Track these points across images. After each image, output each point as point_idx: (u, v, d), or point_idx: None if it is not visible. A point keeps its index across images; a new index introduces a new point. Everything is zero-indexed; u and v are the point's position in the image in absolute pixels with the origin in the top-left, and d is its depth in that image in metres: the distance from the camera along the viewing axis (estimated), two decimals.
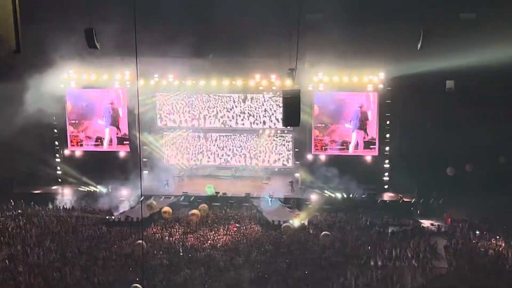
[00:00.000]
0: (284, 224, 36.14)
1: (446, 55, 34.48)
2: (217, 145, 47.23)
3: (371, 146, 42.52)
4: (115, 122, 44.60)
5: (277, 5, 35.22)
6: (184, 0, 36.47)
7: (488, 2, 36.31)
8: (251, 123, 46.28)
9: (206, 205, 38.72)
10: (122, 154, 44.74)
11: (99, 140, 45.02)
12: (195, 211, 37.02)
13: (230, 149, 47.12)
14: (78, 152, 45.23)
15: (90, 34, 26.30)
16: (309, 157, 43.47)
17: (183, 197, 41.59)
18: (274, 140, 46.54)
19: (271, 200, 40.90)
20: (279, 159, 46.77)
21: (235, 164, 46.97)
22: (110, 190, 42.40)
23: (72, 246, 33.48)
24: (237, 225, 36.41)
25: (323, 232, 33.66)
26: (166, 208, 38.31)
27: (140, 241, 32.41)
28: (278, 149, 46.64)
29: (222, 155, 47.25)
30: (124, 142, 44.70)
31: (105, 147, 44.96)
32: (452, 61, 34.90)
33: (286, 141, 46.39)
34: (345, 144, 42.86)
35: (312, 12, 34.47)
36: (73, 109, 44.61)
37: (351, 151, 42.81)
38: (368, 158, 42.65)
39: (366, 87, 41.50)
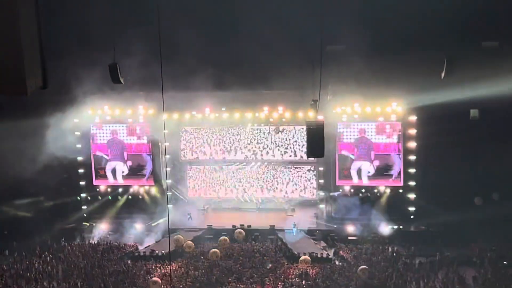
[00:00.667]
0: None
1: (469, 84, 34.33)
2: (239, 177, 47.15)
3: (386, 173, 42.20)
4: (121, 156, 44.75)
5: (299, 37, 35.32)
6: (206, 33, 36.71)
7: (511, 30, 36.18)
8: (266, 154, 46.27)
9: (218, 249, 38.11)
10: (146, 188, 44.76)
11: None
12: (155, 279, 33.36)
13: (251, 181, 47.01)
14: (103, 187, 45.37)
15: (114, 69, 26.50)
16: (334, 188, 43.21)
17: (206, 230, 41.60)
18: (298, 171, 46.41)
19: (295, 229, 40.77)
20: (302, 190, 46.57)
21: (259, 197, 46.82)
22: (135, 225, 42.44)
23: (98, 281, 33.51)
24: (270, 265, 36.09)
25: (361, 267, 33.20)
26: (189, 243, 38.23)
27: (156, 279, 32.43)
28: (302, 180, 46.45)
29: (244, 188, 47.14)
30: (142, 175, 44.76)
31: (110, 181, 44.99)
32: (476, 90, 34.72)
33: (310, 172, 46.20)
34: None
35: (333, 43, 34.55)
36: (98, 144, 44.82)
37: (356, 181, 42.52)
38: (394, 189, 42.30)
39: (390, 117, 41.34)
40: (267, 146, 46.21)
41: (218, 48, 37.84)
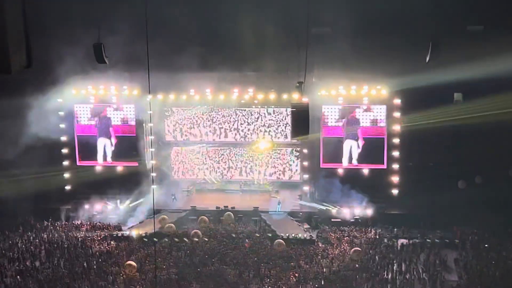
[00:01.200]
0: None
1: (453, 67, 34.38)
2: (224, 159, 47.15)
3: (370, 155, 42.45)
4: (107, 133, 44.62)
5: (285, 18, 35.22)
6: (191, 13, 36.51)
7: (496, 14, 36.23)
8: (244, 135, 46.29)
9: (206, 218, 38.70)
10: (130, 169, 44.60)
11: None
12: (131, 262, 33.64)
13: (236, 163, 47.06)
14: (87, 167, 45.18)
15: (99, 49, 26.33)
16: (318, 170, 43.28)
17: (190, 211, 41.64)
18: (282, 153, 46.49)
19: (279, 206, 41.25)
20: (286, 172, 46.68)
21: (243, 179, 46.86)
22: (119, 205, 42.40)
23: (81, 261, 33.52)
24: (247, 241, 36.29)
25: (354, 248, 33.29)
26: (170, 225, 38.38)
27: (131, 262, 32.60)
28: (286, 163, 46.53)
29: (229, 169, 47.18)
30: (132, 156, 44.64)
31: (99, 160, 44.88)
32: (460, 73, 34.80)
33: (294, 155, 46.27)
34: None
35: (319, 26, 34.47)
36: (82, 124, 44.60)
37: (345, 164, 42.67)
38: (377, 171, 42.45)
39: (375, 99, 41.42)
40: (252, 128, 46.12)
41: (203, 29, 37.64)
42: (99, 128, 44.40)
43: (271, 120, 45.79)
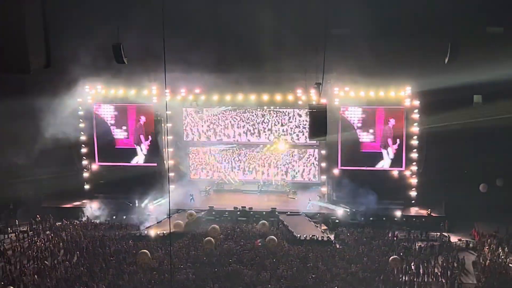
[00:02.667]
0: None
1: (473, 69, 34.21)
2: (243, 159, 47.20)
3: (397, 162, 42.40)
4: (138, 139, 45.03)
5: (304, 20, 35.24)
6: (211, 15, 36.64)
7: None
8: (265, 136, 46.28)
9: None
10: (149, 168, 44.79)
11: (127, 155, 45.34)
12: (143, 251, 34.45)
13: (255, 163, 47.10)
14: (106, 167, 45.46)
15: (118, 49, 26.46)
16: (336, 172, 43.20)
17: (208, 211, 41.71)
18: (300, 154, 46.48)
19: (309, 204, 41.54)
20: (304, 173, 46.67)
21: (261, 179, 46.89)
22: (137, 205, 42.57)
23: (99, 260, 33.70)
24: (259, 240, 36.29)
25: (393, 257, 33.13)
26: (191, 212, 38.79)
27: (144, 251, 32.86)
28: (304, 163, 46.50)
29: (249, 169, 47.24)
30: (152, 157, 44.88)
31: (135, 162, 45.25)
32: (480, 75, 34.60)
33: (313, 156, 46.23)
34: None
35: (338, 27, 34.44)
36: (100, 124, 44.86)
37: (382, 165, 42.69)
38: (395, 173, 42.31)
39: (393, 101, 41.28)
40: (270, 128, 46.15)
41: (222, 30, 37.76)
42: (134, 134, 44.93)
43: (289, 121, 45.76)
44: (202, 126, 46.65)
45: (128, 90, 43.47)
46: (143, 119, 44.53)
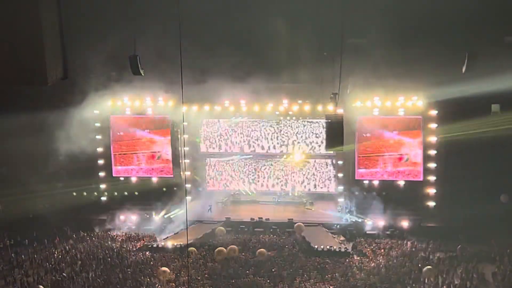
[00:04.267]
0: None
1: (491, 78, 34.02)
2: (260, 170, 47.17)
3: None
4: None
5: (320, 30, 35.23)
6: (226, 26, 36.71)
7: None
8: (286, 146, 46.23)
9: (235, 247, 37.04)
10: (166, 180, 44.92)
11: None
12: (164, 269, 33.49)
13: (271, 175, 47.06)
14: (123, 179, 45.61)
15: (134, 60, 26.48)
16: (352, 182, 43.05)
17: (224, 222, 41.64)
18: (317, 165, 46.39)
19: (349, 213, 41.62)
20: (320, 183, 46.55)
21: (279, 190, 46.84)
22: (154, 216, 42.63)
23: (116, 272, 33.71)
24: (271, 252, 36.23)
25: (427, 267, 32.79)
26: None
27: (165, 268, 32.73)
28: (321, 174, 46.40)
29: (264, 180, 47.19)
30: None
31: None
32: (498, 84, 34.40)
33: (329, 166, 46.12)
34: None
35: (354, 37, 34.38)
36: (118, 136, 45.03)
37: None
38: (413, 184, 42.09)
39: (411, 111, 41.13)
40: (287, 139, 46.14)
41: (238, 41, 37.82)
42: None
43: (306, 131, 45.70)
44: (220, 136, 46.73)
45: (144, 101, 43.64)
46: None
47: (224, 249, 35.32)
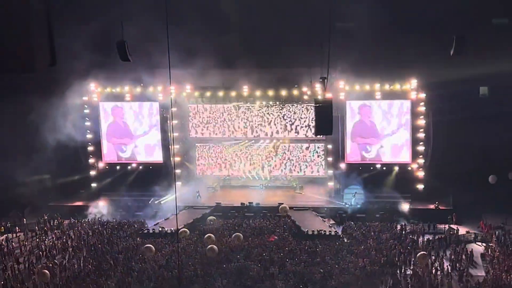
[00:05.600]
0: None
1: (479, 61, 34.09)
2: (249, 154, 47.20)
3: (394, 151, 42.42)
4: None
5: (308, 14, 35.15)
6: (215, 11, 36.58)
7: None
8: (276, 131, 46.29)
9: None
10: (155, 166, 44.92)
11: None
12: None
13: (260, 159, 47.11)
14: (113, 165, 45.57)
15: (122, 46, 26.29)
16: (342, 166, 43.17)
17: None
18: (306, 149, 46.46)
19: (354, 197, 41.45)
20: (310, 168, 46.65)
21: (267, 174, 46.92)
22: (144, 202, 42.62)
23: (107, 258, 33.75)
24: (276, 237, 36.26)
25: (421, 253, 32.47)
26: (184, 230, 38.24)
27: (149, 245, 32.86)
28: (311, 158, 46.49)
29: (253, 164, 47.26)
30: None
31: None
32: (486, 67, 34.49)
33: (319, 150, 46.21)
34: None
35: (343, 20, 34.33)
36: (107, 122, 44.94)
37: (368, 158, 42.86)
38: (402, 166, 42.24)
39: (399, 95, 41.19)
40: (275, 124, 46.14)
41: (226, 26, 37.71)
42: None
43: (295, 115, 45.72)
44: (209, 122, 46.71)
45: (133, 88, 43.52)
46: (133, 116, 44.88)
47: (213, 236, 35.24)
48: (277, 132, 46.34)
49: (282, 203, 41.01)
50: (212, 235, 34.77)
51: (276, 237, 36.02)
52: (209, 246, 32.48)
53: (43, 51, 6.73)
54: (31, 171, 40.46)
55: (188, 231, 37.12)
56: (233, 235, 34.90)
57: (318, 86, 39.08)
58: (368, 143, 42.54)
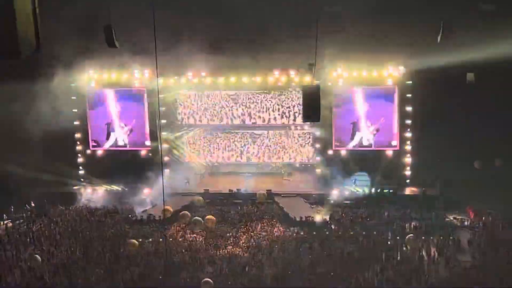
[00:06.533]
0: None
1: (466, 47, 34.14)
2: (238, 142, 47.19)
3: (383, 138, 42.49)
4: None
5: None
6: None
7: None
8: (265, 119, 46.27)
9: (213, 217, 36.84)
10: (143, 153, 44.85)
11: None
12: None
13: (250, 146, 47.12)
14: (100, 152, 45.44)
15: (109, 32, 26.08)
16: (330, 153, 43.23)
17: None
18: (294, 136, 46.48)
19: (355, 184, 41.47)
20: (298, 154, 46.70)
21: (257, 162, 46.97)
22: (131, 189, 42.59)
23: (96, 245, 33.73)
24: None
25: (410, 235, 32.75)
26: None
27: (132, 240, 32.85)
28: (299, 145, 46.52)
29: (243, 152, 47.26)
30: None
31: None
32: (472, 53, 34.55)
33: (307, 137, 46.23)
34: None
35: (330, 5, 34.25)
36: (94, 109, 44.76)
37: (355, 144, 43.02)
38: (390, 153, 42.37)
39: (386, 81, 41.24)
40: (263, 110, 46.08)
41: (213, 11, 37.52)
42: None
43: (283, 102, 45.69)
44: (197, 109, 46.61)
45: (121, 74, 43.34)
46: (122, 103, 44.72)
47: (188, 213, 35.33)
48: (264, 119, 46.25)
49: (270, 190, 41.21)
50: (199, 218, 34.92)
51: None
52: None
53: (29, 36, 6.69)
54: (18, 157, 40.25)
55: (202, 198, 37.64)
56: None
57: (305, 73, 39.16)
58: (356, 130, 42.52)
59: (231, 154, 47.42)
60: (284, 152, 46.70)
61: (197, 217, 35.07)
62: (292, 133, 46.49)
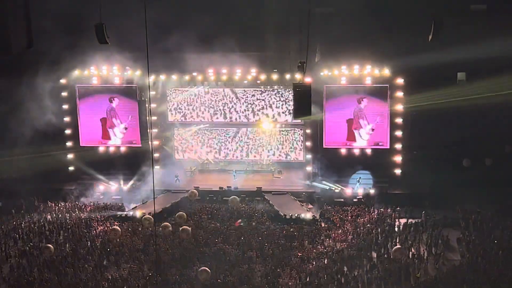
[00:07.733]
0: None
1: (457, 47, 34.25)
2: (228, 139, 47.18)
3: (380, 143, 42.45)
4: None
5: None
6: None
7: None
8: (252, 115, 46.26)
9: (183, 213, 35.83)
10: (134, 149, 44.69)
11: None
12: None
13: (240, 144, 47.12)
14: (90, 149, 45.25)
15: (100, 29, 26.06)
16: (321, 151, 43.22)
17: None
18: (285, 133, 46.48)
19: (358, 183, 41.38)
20: (289, 152, 46.71)
21: (248, 159, 46.95)
22: (122, 186, 42.53)
23: (85, 241, 33.69)
24: (240, 221, 36.40)
25: (396, 247, 31.89)
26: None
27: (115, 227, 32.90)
28: (290, 142, 46.53)
29: (234, 150, 47.25)
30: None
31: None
32: (463, 53, 34.65)
33: (298, 135, 46.23)
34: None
35: (322, 5, 34.31)
36: (85, 106, 44.57)
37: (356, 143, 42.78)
38: (380, 151, 42.35)
39: (378, 80, 41.22)
40: (254, 108, 46.09)
41: (206, 9, 37.51)
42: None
43: (274, 100, 45.69)
44: (187, 106, 46.54)
45: (111, 71, 43.20)
46: (116, 101, 44.42)
47: (184, 214, 35.20)
48: (254, 117, 46.25)
49: (261, 187, 41.30)
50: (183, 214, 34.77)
51: (241, 223, 36.17)
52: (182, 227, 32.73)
53: (20, 33, 6.68)
54: (8, 153, 40.14)
55: (196, 192, 37.56)
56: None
57: (296, 71, 39.12)
58: (346, 128, 42.50)
59: (215, 151, 47.54)
60: (276, 149, 46.66)
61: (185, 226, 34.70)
62: (284, 130, 46.45)
